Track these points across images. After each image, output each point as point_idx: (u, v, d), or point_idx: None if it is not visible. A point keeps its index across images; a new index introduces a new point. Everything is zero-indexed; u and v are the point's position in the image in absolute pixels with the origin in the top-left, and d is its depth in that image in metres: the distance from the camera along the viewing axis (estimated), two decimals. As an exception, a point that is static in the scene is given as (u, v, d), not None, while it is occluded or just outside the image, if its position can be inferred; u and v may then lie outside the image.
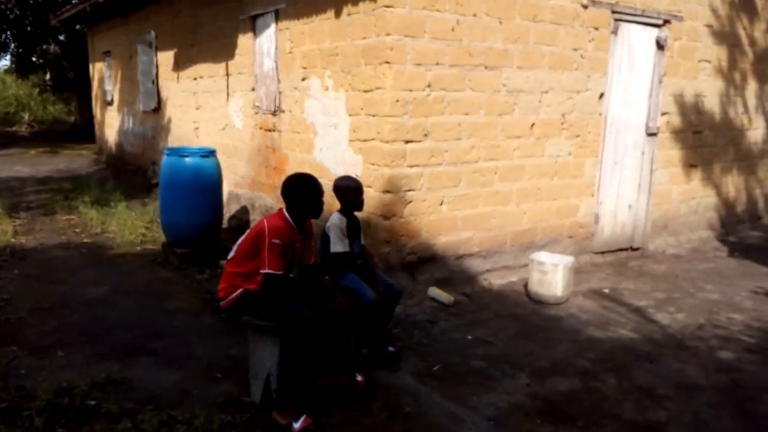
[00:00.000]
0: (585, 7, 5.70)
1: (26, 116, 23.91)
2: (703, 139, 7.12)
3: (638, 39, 6.21)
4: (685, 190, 7.08)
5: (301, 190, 3.34)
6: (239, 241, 3.35)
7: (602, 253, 6.41)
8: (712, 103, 7.13)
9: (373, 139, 5.03)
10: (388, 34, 4.76)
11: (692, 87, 6.86)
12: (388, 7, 4.72)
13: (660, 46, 6.37)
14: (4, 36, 20.79)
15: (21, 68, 21.22)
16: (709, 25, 6.83)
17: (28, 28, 19.87)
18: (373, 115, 4.99)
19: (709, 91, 7.06)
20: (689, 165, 7.04)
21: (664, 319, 4.78)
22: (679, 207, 7.08)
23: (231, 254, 3.36)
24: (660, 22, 6.33)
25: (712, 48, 6.95)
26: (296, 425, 3.05)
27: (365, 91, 5.05)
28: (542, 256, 5.22)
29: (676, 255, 6.67)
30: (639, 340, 4.38)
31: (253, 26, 6.77)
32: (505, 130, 5.48)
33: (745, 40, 7.29)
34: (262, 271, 3.19)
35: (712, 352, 4.19)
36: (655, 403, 3.47)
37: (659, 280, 5.76)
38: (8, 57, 22.59)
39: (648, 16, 6.21)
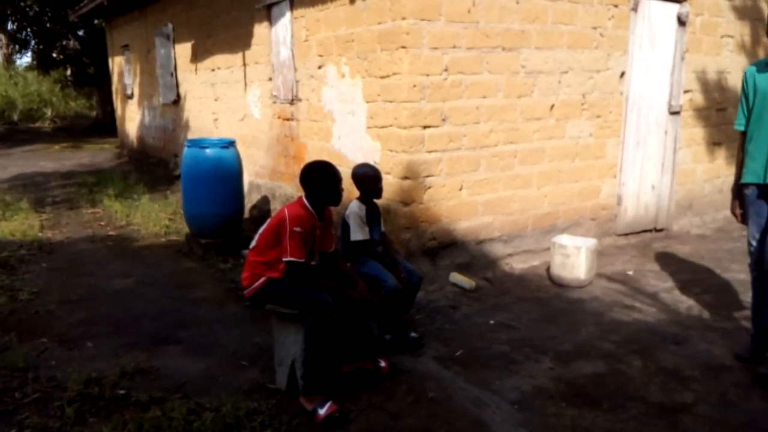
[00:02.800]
0: (604, -16, 5.60)
1: (49, 112, 24.28)
2: (727, 116, 6.98)
3: (659, 15, 6.09)
4: (709, 169, 6.97)
5: (318, 177, 3.35)
6: (261, 231, 3.38)
7: (625, 235, 6.34)
8: (735, 80, 6.96)
9: (390, 126, 5.01)
10: (403, 18, 4.73)
11: (715, 63, 6.72)
12: (403, -9, 4.68)
13: (681, 22, 6.24)
14: (24, 33, 21.09)
15: (42, 64, 21.51)
16: (730, 0, 6.67)
17: (48, 25, 20.08)
18: (391, 101, 4.97)
19: (733, 68, 6.91)
20: (713, 143, 6.92)
21: (690, 300, 4.73)
22: (704, 186, 6.97)
23: (253, 243, 3.39)
24: (681, -3, 6.20)
25: (735, 23, 6.79)
26: (322, 411, 3.08)
27: (382, 77, 5.03)
28: (564, 239, 5.18)
29: (701, 235, 6.58)
30: (664, 321, 4.34)
31: (268, 15, 6.77)
32: (525, 113, 5.43)
33: (769, 14, 7.11)
34: (284, 259, 3.21)
35: (739, 332, 4.14)
36: (681, 384, 3.44)
37: (684, 261, 5.69)
38: (29, 54, 22.94)
39: (669, -9, 6.08)
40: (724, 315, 4.43)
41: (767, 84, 3.52)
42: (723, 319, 4.35)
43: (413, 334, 3.98)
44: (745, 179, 3.69)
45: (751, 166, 3.63)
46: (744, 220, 3.79)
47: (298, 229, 3.20)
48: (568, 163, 5.78)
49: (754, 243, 3.69)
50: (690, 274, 5.30)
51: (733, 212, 3.89)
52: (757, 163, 3.59)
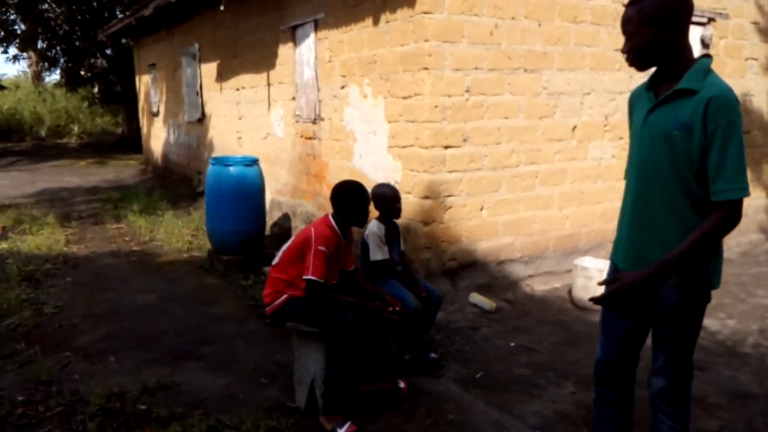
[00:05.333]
0: (626, 6, 5.60)
1: (75, 128, 24.79)
2: (751, 139, 6.91)
3: (682, 38, 6.07)
4: (734, 192, 6.87)
5: (351, 197, 3.37)
6: (284, 247, 3.40)
7: (648, 257, 6.26)
8: (760, 102, 6.91)
9: (412, 146, 5.04)
10: (426, 41, 4.78)
11: (739, 86, 6.66)
12: (426, 13, 4.74)
13: (705, 44, 6.22)
14: (53, 51, 21.63)
15: (70, 82, 22.01)
16: (755, 23, 6.64)
17: (77, 43, 20.59)
18: (412, 122, 5.01)
19: (757, 90, 6.85)
20: (738, 166, 6.83)
21: (714, 325, 4.65)
22: (728, 209, 6.87)
23: (276, 260, 3.41)
24: (704, 20, 6.18)
25: (759, 46, 6.75)
26: (341, 431, 3.08)
27: (404, 98, 5.07)
28: (586, 261, 5.14)
29: (726, 259, 6.44)
30: (688, 346, 4.27)
31: (293, 36, 6.88)
32: (546, 134, 5.43)
33: (795, 36, 7.06)
34: (304, 277, 3.21)
35: (766, 359, 4.06)
36: (706, 411, 3.38)
37: (708, 285, 5.59)
38: (58, 71, 23.49)
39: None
40: (750, 341, 4.35)
41: (640, 119, 2.25)
42: (748, 346, 4.27)
43: (433, 355, 3.96)
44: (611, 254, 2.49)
45: (615, 239, 2.48)
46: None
47: (323, 248, 3.21)
48: (591, 184, 5.76)
49: (599, 352, 2.53)
50: (714, 299, 5.14)
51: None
52: (617, 237, 2.46)
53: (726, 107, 2.00)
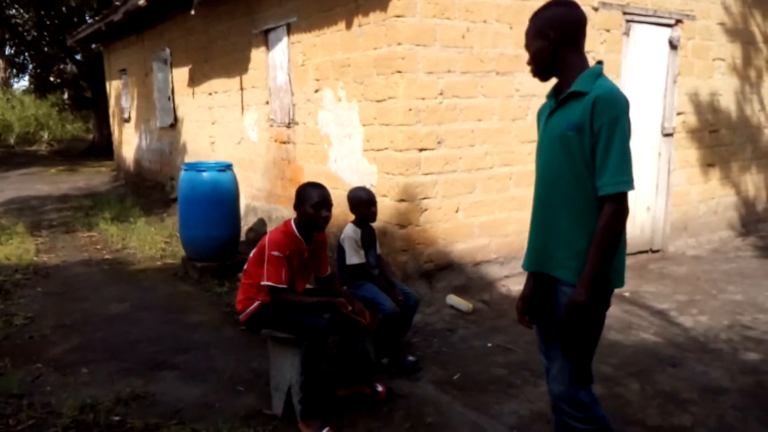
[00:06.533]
0: (596, 9, 5.69)
1: (45, 135, 24.37)
2: (720, 137, 7.05)
3: (651, 39, 6.18)
4: (703, 190, 7.01)
5: (295, 197, 3.37)
6: (251, 254, 3.39)
7: (621, 255, 6.34)
8: (728, 102, 7.06)
9: (386, 149, 5.05)
10: (399, 44, 4.78)
11: (707, 86, 6.81)
12: (398, 17, 4.75)
13: (673, 45, 6.33)
14: (22, 57, 21.28)
15: (39, 88, 21.67)
16: (722, 24, 6.78)
17: (46, 49, 20.27)
18: (387, 125, 5.01)
19: (725, 90, 7.00)
20: (707, 164, 6.97)
21: (687, 321, 4.73)
22: (698, 207, 7.01)
23: (245, 266, 3.40)
24: (672, 21, 6.29)
25: (726, 46, 6.89)
26: (319, 437, 3.06)
27: (378, 101, 5.07)
28: (560, 260, 5.18)
29: (697, 256, 6.59)
30: (662, 343, 4.33)
31: (265, 40, 6.84)
32: (519, 135, 5.47)
33: (759, 38, 7.22)
34: (262, 283, 3.22)
35: (737, 354, 4.14)
36: (679, 407, 3.43)
37: (680, 282, 5.69)
38: (26, 78, 23.10)
39: (660, 16, 6.18)
40: (721, 337, 4.43)
41: (542, 125, 2.38)
42: (720, 341, 4.35)
43: (410, 358, 3.96)
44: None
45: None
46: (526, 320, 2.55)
47: (276, 253, 3.20)
48: (564, 185, 5.81)
49: (545, 361, 2.52)
50: (686, 296, 5.31)
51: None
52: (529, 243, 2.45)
53: (610, 105, 2.07)
